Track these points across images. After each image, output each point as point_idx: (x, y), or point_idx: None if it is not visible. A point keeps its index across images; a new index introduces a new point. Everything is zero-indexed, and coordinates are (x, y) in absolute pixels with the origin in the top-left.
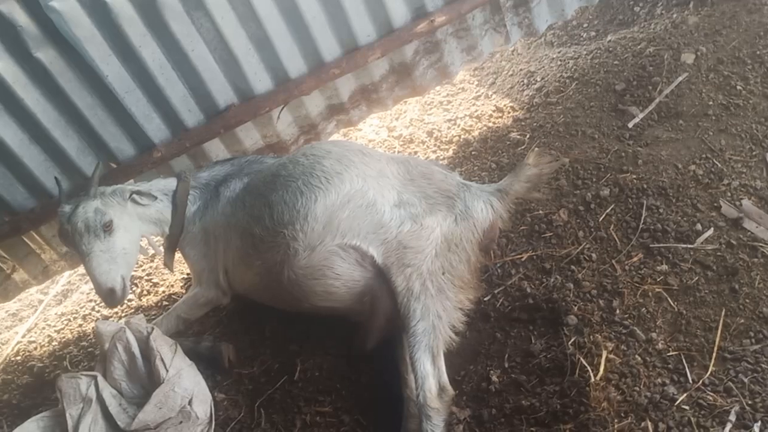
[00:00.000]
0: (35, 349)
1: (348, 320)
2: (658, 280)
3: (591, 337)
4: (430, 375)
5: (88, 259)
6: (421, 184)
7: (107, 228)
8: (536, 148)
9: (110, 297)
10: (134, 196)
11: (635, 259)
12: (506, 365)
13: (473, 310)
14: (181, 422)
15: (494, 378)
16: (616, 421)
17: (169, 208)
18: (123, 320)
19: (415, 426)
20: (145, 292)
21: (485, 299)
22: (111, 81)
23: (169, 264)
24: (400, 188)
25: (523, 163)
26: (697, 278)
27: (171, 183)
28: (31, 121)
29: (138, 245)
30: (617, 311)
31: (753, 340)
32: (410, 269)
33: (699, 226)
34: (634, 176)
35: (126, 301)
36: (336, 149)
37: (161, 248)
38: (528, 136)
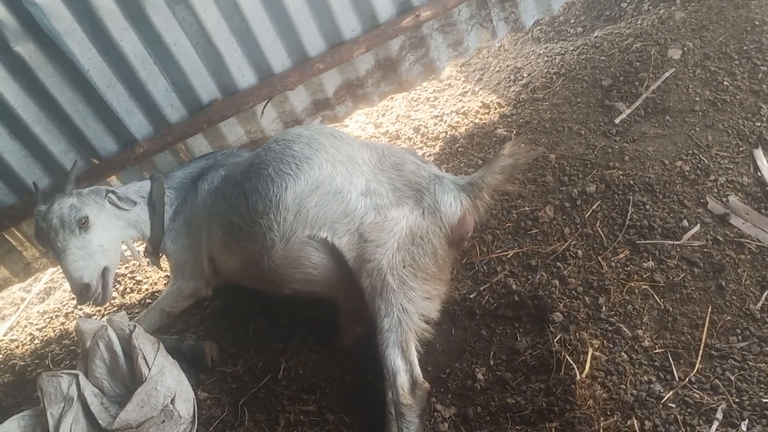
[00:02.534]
0: (17, 347)
1: (331, 317)
2: (645, 276)
3: (577, 334)
4: (401, 370)
5: (64, 255)
6: (391, 175)
7: (83, 224)
8: (514, 136)
9: (84, 294)
10: (111, 196)
11: (621, 255)
12: (492, 363)
13: (458, 307)
14: (163, 421)
15: (479, 376)
16: (602, 419)
17: (146, 210)
18: (105, 318)
19: (395, 429)
20: (128, 290)
21: (471, 296)
22: (92, 75)
23: (156, 263)
24: (369, 176)
25: (498, 153)
26: (683, 275)
27: (145, 185)
28: (11, 116)
29: (119, 246)
30: (603, 308)
31: (740, 338)
32: (371, 264)
33: (685, 223)
34: (621, 172)
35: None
36: (307, 133)
37: (139, 251)
38: (514, 133)
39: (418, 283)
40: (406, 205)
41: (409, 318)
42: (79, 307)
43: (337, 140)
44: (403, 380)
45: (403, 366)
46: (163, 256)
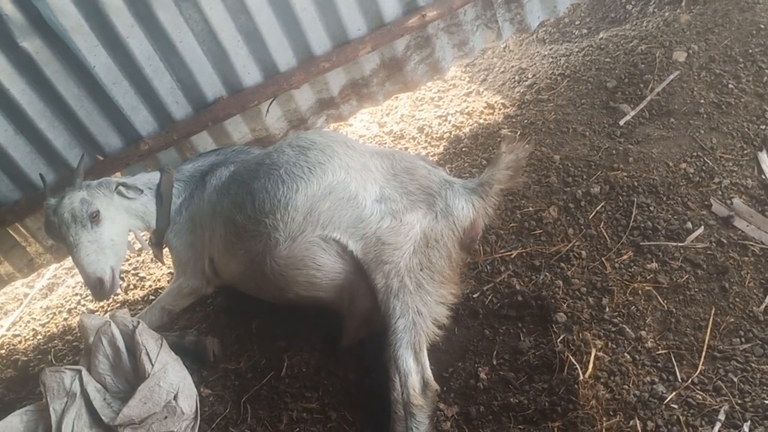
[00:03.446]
0: (20, 342)
1: (333, 314)
2: (648, 278)
3: (580, 334)
4: (413, 371)
5: (76, 249)
6: (403, 180)
7: (94, 218)
8: (505, 132)
9: (99, 288)
10: (120, 188)
11: (625, 256)
12: (494, 362)
13: (461, 306)
14: (166, 417)
15: (482, 375)
16: (604, 419)
17: (154, 202)
18: (108, 314)
19: (402, 428)
20: (131, 287)
21: (474, 296)
22: (98, 72)
23: (159, 257)
24: (382, 183)
25: (498, 152)
26: (687, 276)
27: (155, 177)
28: (17, 112)
29: (126, 238)
30: (606, 309)
31: (743, 339)
32: (388, 266)
33: (689, 225)
34: (625, 174)
35: (112, 295)
36: (321, 139)
37: (147, 243)
38: (519, 133)
39: (434, 287)
40: (419, 209)
41: (424, 321)
42: (82, 302)
43: (350, 149)
44: (414, 381)
45: (415, 367)
46: (166, 250)
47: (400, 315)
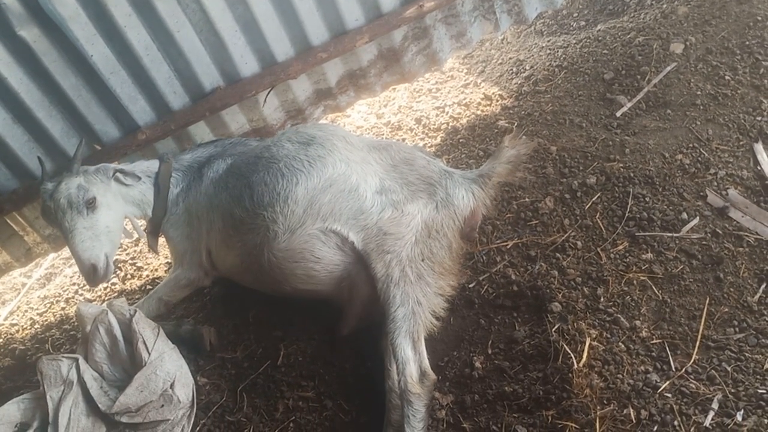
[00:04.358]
0: (17, 332)
1: (331, 305)
2: (643, 268)
3: (575, 324)
4: (410, 360)
5: (71, 235)
6: (403, 171)
7: (90, 204)
8: (502, 123)
9: (92, 274)
10: (118, 174)
11: (620, 247)
12: (490, 351)
13: (457, 296)
14: (162, 405)
15: (477, 364)
16: (598, 407)
17: (152, 190)
18: (105, 303)
19: (398, 416)
20: (128, 276)
21: (470, 286)
22: (95, 61)
23: (153, 247)
24: (382, 174)
25: (500, 146)
26: (681, 267)
27: (153, 165)
28: (14, 101)
29: (122, 225)
30: (601, 299)
31: (737, 329)
32: (390, 255)
33: (685, 215)
34: (621, 165)
35: (109, 284)
36: (320, 133)
37: (145, 232)
38: (516, 124)
39: (433, 278)
40: (420, 200)
41: (423, 311)
42: (80, 292)
43: (349, 144)
44: (412, 370)
45: (413, 356)
46: (162, 240)
47: (400, 304)
